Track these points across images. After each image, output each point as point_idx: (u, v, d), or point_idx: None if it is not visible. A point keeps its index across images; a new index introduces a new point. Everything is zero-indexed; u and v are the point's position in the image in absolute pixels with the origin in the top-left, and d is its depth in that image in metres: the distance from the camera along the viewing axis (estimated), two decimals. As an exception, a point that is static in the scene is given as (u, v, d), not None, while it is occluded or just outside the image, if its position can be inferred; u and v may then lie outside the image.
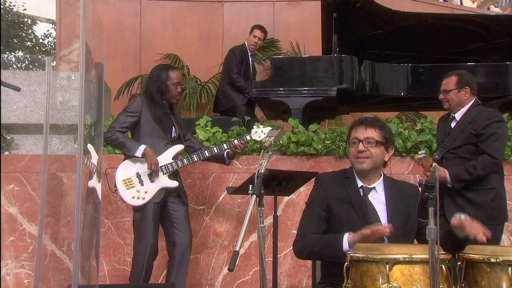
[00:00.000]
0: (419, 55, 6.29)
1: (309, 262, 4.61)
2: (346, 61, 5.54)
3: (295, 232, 4.82)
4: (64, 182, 4.82)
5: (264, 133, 4.14)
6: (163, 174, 3.99)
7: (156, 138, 4.03)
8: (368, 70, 5.67)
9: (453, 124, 4.05)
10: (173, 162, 4.02)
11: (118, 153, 4.93)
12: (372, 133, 2.75)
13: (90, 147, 3.74)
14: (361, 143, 2.74)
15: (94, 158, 3.67)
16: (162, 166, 3.99)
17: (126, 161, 4.02)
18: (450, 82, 4.02)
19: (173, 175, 4.06)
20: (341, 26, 5.79)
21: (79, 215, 2.87)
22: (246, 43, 6.81)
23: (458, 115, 4.02)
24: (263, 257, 2.39)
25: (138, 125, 4.05)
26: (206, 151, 4.11)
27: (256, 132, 4.16)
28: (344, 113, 7.08)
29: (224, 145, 4.15)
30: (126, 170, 3.98)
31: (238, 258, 2.18)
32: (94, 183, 3.64)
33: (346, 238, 2.58)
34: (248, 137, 4.20)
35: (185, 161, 4.05)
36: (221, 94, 6.81)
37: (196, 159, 4.08)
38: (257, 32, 6.75)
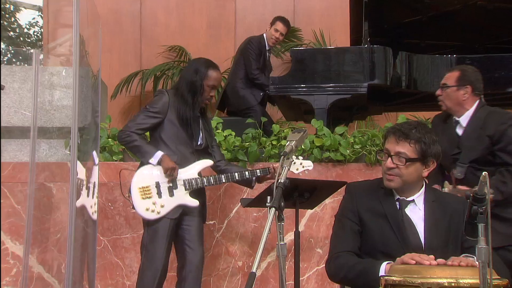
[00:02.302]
0: (465, 44, 6.25)
1: (337, 285, 4.59)
2: (378, 53, 5.52)
3: (320, 251, 4.84)
4: (53, 194, 4.86)
5: (304, 167, 4.19)
6: (185, 189, 4.00)
7: (180, 145, 4.04)
8: (404, 63, 5.65)
9: (459, 131, 3.92)
10: (198, 178, 4.04)
11: (116, 160, 4.96)
12: (405, 148, 2.69)
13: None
14: (389, 159, 2.70)
15: (81, 173, 3.67)
16: (186, 180, 4.00)
17: (147, 166, 4.03)
18: (451, 77, 3.93)
19: (197, 191, 4.07)
20: (373, 12, 5.78)
21: (72, 232, 2.89)
22: (265, 36, 6.76)
23: (463, 120, 3.90)
24: (283, 280, 2.38)
25: (161, 127, 4.04)
26: (236, 174, 4.11)
27: (294, 163, 4.16)
28: (376, 113, 7.05)
29: (258, 171, 4.15)
30: (145, 177, 3.99)
31: (254, 281, 2.18)
32: (84, 200, 3.66)
33: (384, 268, 2.54)
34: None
35: (211, 180, 4.06)
36: (230, 92, 6.75)
37: (224, 181, 4.12)
38: (280, 26, 6.68)
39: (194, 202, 4.03)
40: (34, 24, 19.21)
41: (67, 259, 3.16)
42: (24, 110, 5.31)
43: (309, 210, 4.73)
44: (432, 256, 2.45)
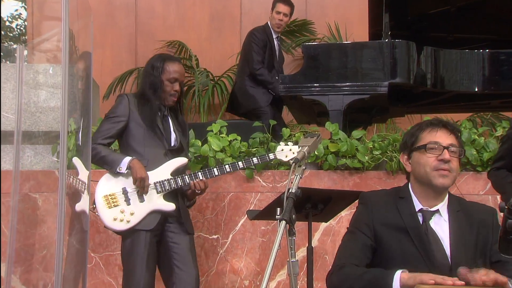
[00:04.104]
0: (500, 38, 6.24)
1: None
2: (400, 48, 5.53)
3: (336, 269, 4.84)
4: (39, 206, 4.88)
5: (294, 153, 4.04)
6: (157, 193, 3.97)
7: (151, 147, 4.03)
8: (430, 59, 5.65)
9: None
10: (171, 179, 4.00)
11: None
12: (455, 140, 2.76)
13: (76, 160, 3.78)
14: (446, 151, 2.72)
15: (83, 174, 3.71)
16: (157, 182, 3.98)
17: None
18: None
19: (172, 195, 4.04)
20: (395, 2, 5.79)
21: (61, 248, 2.91)
22: (269, 23, 6.81)
23: None
24: (295, 301, 2.39)
25: (127, 131, 4.06)
26: (215, 169, 4.07)
27: (282, 150, 4.10)
28: (398, 116, 7.06)
29: (254, 159, 4.14)
30: (110, 184, 3.98)
31: (263, 302, 2.19)
32: (84, 205, 3.68)
33: (398, 277, 2.50)
34: (271, 156, 4.17)
35: (186, 178, 4.01)
36: (238, 92, 6.78)
37: (201, 178, 4.04)
38: (281, 7, 6.73)
39: (169, 206, 3.98)
40: (17, 16, 19.31)
41: (54, 279, 3.17)
42: (6, 112, 5.34)
43: (323, 223, 4.74)
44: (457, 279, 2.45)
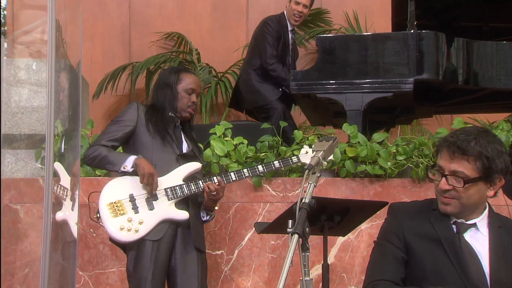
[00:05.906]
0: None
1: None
2: (428, 40, 5.52)
3: (355, 289, 4.83)
4: (21, 218, 4.90)
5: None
6: (168, 200, 4.01)
7: (159, 153, 4.09)
8: (461, 52, 5.64)
9: None
10: (183, 184, 4.05)
11: (100, 175, 5.00)
12: (462, 166, 2.66)
13: (58, 166, 3.80)
14: (444, 179, 2.70)
15: (65, 180, 3.73)
16: (168, 188, 4.02)
17: (117, 178, 4.07)
18: None
19: (184, 204, 4.09)
20: (421, -12, 5.80)
21: (46, 266, 2.92)
22: (285, 14, 6.77)
23: None
24: (309, 325, 2.40)
25: (134, 137, 4.12)
26: (232, 173, 4.13)
27: (307, 153, 4.17)
28: (425, 116, 7.05)
29: (276, 162, 4.19)
30: (115, 190, 4.01)
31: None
32: (66, 213, 3.69)
33: None
34: (294, 159, 4.21)
35: (200, 183, 4.05)
36: (242, 86, 6.73)
37: (216, 182, 4.07)
38: None
39: (182, 215, 4.02)
40: (-5, 5, 19.39)
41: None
42: (-16, 113, 5.36)
43: (340, 237, 4.75)
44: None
